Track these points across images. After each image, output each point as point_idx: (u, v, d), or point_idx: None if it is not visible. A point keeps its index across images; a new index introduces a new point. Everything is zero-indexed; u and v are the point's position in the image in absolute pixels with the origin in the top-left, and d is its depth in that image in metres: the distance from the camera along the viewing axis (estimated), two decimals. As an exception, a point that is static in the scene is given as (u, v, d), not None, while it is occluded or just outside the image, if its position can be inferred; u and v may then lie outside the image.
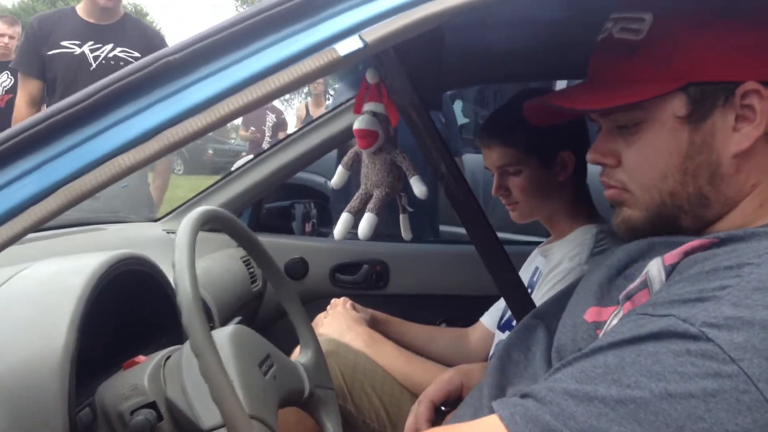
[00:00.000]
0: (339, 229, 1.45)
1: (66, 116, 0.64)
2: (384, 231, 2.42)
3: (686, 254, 0.76)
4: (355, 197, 1.45)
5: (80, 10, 2.96)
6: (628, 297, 0.78)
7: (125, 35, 2.94)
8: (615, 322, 0.78)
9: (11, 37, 4.67)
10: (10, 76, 4.56)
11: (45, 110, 0.66)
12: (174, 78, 0.66)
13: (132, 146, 0.64)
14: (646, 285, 0.77)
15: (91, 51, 2.88)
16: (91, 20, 2.92)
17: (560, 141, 1.45)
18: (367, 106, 1.38)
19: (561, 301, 0.96)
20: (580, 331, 0.83)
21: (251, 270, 2.06)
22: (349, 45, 0.66)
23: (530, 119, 1.04)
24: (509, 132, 1.46)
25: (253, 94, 0.65)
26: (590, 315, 0.84)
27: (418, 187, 1.38)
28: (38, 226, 0.64)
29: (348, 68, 1.76)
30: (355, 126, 1.38)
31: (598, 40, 0.90)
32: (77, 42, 2.89)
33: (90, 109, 0.64)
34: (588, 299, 0.87)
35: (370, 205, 1.41)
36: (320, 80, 7.38)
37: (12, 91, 4.52)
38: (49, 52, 2.89)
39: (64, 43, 2.89)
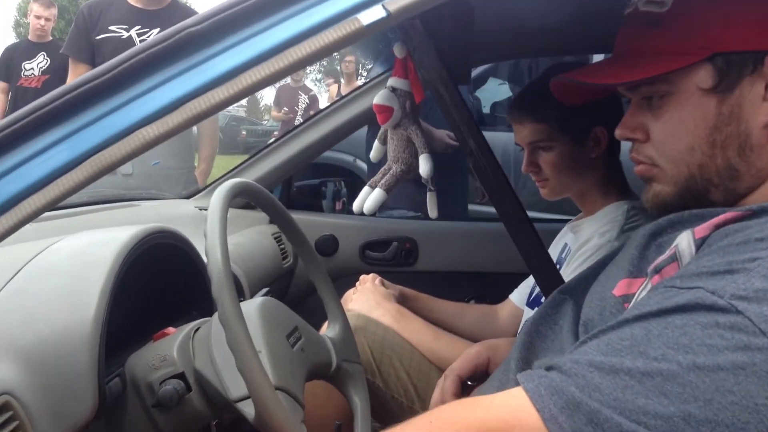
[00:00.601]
0: (358, 202, 1.46)
1: (90, 88, 0.64)
2: (412, 208, 2.42)
3: (717, 227, 0.74)
4: (379, 172, 1.45)
5: None
6: (657, 270, 0.77)
7: (171, 20, 2.96)
8: (643, 294, 0.77)
9: (47, 20, 4.76)
10: (46, 57, 4.64)
11: (69, 83, 0.66)
12: (197, 49, 0.66)
13: (156, 118, 0.64)
14: (675, 258, 0.76)
15: (138, 35, 2.94)
16: (139, 5, 2.97)
17: (593, 116, 1.42)
18: (390, 81, 1.39)
19: (589, 276, 0.95)
20: (608, 305, 0.83)
21: (282, 246, 2.08)
22: (372, 14, 0.65)
23: (559, 98, 1.02)
24: (541, 107, 1.43)
25: (277, 65, 0.65)
26: (620, 288, 0.83)
27: (423, 165, 1.38)
28: (67, 197, 0.65)
29: (382, 47, 1.75)
30: (374, 101, 1.39)
31: (624, 13, 0.89)
32: (125, 26, 2.94)
33: (114, 81, 0.65)
34: (618, 273, 0.86)
35: (381, 181, 1.41)
36: (352, 59, 7.35)
37: (49, 71, 4.61)
38: (98, 37, 2.96)
39: (112, 28, 2.95)
